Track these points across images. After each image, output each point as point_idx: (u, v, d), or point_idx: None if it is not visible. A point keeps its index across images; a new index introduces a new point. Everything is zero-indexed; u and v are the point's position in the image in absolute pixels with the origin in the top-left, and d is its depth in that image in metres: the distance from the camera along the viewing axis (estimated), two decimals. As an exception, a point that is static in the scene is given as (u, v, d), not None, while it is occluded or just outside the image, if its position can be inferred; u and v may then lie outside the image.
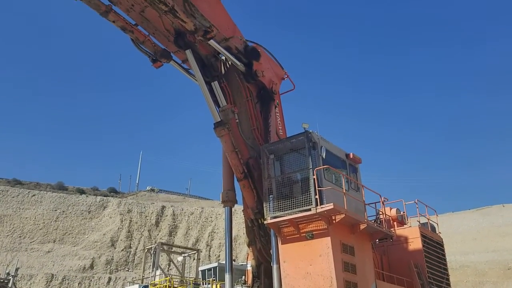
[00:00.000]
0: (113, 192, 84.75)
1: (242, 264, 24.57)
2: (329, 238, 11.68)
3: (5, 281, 39.45)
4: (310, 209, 11.71)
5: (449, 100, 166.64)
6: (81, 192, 77.69)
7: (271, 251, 13.14)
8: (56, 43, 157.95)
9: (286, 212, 12.10)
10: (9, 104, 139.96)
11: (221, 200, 14.35)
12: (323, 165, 12.19)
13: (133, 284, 40.29)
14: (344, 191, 12.37)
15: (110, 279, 60.48)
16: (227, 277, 13.45)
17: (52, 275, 58.82)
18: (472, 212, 70.16)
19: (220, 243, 67.24)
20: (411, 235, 15.86)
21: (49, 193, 72.61)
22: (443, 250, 17.28)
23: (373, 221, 14.22)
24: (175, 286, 29.01)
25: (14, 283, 40.27)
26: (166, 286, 27.98)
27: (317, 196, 11.68)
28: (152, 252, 33.60)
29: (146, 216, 71.37)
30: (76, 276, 59.56)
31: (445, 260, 17.19)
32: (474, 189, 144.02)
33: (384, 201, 15.21)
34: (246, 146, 13.87)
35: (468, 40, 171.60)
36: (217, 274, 29.64)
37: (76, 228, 67.07)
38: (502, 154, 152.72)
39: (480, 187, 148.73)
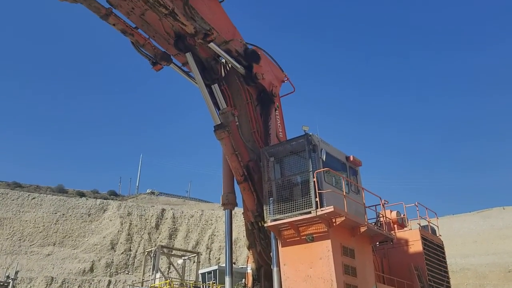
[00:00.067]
0: (113, 195, 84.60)
1: (242, 267, 24.50)
2: (329, 241, 11.67)
3: (5, 284, 39.40)
4: (310, 212, 11.72)
5: (450, 102, 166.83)
6: (81, 195, 77.58)
7: (271, 254, 13.12)
8: (56, 44, 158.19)
9: (286, 214, 12.10)
10: (9, 106, 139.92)
11: (221, 203, 14.36)
12: (323, 168, 12.19)
13: (133, 287, 40.25)
14: (344, 193, 12.37)
15: (110, 282, 60.37)
16: (227, 280, 13.44)
17: (52, 278, 58.70)
18: (473, 215, 70.07)
19: (220, 246, 67.11)
20: (412, 237, 15.84)
21: (49, 196, 72.53)
22: (444, 253, 17.26)
23: (373, 223, 14.20)
24: (175, 289, 28.93)
25: (14, 286, 40.23)
26: (166, 289, 27.91)
27: (317, 199, 11.68)
28: (152, 255, 33.54)
29: (146, 219, 71.28)
30: (76, 279, 59.45)
31: (445, 262, 17.17)
32: (475, 192, 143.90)
33: (385, 203, 15.20)
34: (246, 148, 13.87)
35: (469, 41, 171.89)
36: (217, 277, 29.58)
37: (76, 231, 66.98)
38: (502, 156, 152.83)
39: (481, 190, 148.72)
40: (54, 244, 64.39)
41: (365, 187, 13.83)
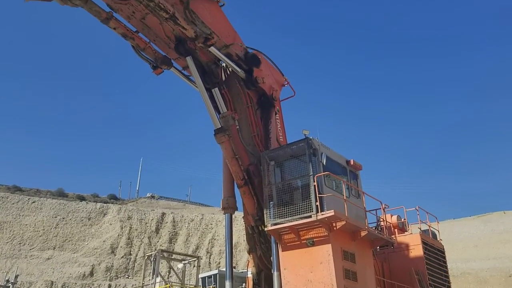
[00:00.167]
0: (113, 198, 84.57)
1: (242, 271, 24.46)
2: (330, 245, 11.64)
3: (5, 288, 39.35)
4: (310, 216, 11.69)
5: (450, 106, 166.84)
6: (81, 198, 77.53)
7: (271, 258, 13.09)
8: (57, 46, 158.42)
9: (287, 219, 12.07)
10: (9, 107, 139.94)
11: (221, 207, 14.33)
12: (323, 172, 12.18)
13: (133, 291, 40.15)
14: (344, 197, 12.35)
15: (110, 286, 60.23)
16: (227, 284, 13.40)
17: (52, 282, 58.58)
18: (473, 219, 69.96)
19: (220, 250, 67.00)
20: (412, 242, 15.81)
21: (49, 200, 72.48)
22: (444, 257, 17.23)
23: (374, 228, 14.18)
24: (175, 293, 28.86)
25: (13, 290, 40.13)
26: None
27: (317, 203, 11.66)
28: (152, 259, 33.42)
29: (146, 223, 71.20)
30: (76, 283, 59.32)
31: (446, 267, 17.14)
32: (475, 196, 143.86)
33: (385, 208, 15.18)
34: (247, 152, 13.86)
35: (468, 45, 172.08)
36: (218, 282, 29.51)
37: (76, 235, 66.89)
38: (503, 160, 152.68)
39: (481, 194, 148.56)
40: (54, 248, 64.29)
41: (365, 191, 13.83)
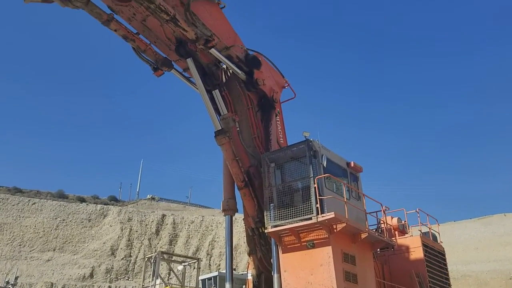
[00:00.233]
0: (114, 200, 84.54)
1: (242, 273, 24.43)
2: (330, 247, 11.63)
3: (5, 289, 39.32)
4: (311, 218, 11.69)
5: (451, 107, 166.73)
6: (82, 200, 77.51)
7: (271, 260, 13.08)
8: (57, 47, 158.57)
9: (287, 221, 12.07)
10: (9, 108, 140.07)
11: (221, 209, 14.33)
12: (324, 174, 12.18)
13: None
14: (345, 199, 12.35)
15: (110, 288, 60.23)
16: (227, 286, 13.40)
17: (52, 283, 58.55)
18: (474, 221, 69.86)
19: (220, 252, 66.93)
20: (413, 244, 15.80)
21: (49, 201, 72.48)
22: (445, 260, 17.21)
23: (374, 230, 14.17)
24: (175, 295, 28.83)
25: (13, 292, 40.10)
26: (166, 295, 27.81)
27: (318, 205, 11.65)
28: (152, 261, 33.38)
29: (147, 225, 71.17)
30: (76, 285, 59.28)
31: (446, 269, 17.12)
32: (476, 198, 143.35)
33: (385, 210, 15.17)
34: (247, 154, 13.86)
35: (468, 45, 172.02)
36: (218, 284, 29.46)
37: (76, 236, 66.87)
38: (503, 162, 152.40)
39: (482, 196, 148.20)
40: (54, 250, 64.27)
41: (366, 193, 13.82)
